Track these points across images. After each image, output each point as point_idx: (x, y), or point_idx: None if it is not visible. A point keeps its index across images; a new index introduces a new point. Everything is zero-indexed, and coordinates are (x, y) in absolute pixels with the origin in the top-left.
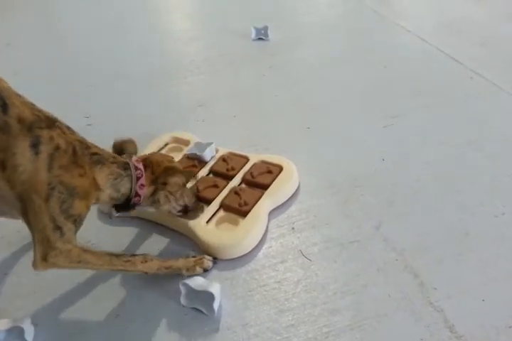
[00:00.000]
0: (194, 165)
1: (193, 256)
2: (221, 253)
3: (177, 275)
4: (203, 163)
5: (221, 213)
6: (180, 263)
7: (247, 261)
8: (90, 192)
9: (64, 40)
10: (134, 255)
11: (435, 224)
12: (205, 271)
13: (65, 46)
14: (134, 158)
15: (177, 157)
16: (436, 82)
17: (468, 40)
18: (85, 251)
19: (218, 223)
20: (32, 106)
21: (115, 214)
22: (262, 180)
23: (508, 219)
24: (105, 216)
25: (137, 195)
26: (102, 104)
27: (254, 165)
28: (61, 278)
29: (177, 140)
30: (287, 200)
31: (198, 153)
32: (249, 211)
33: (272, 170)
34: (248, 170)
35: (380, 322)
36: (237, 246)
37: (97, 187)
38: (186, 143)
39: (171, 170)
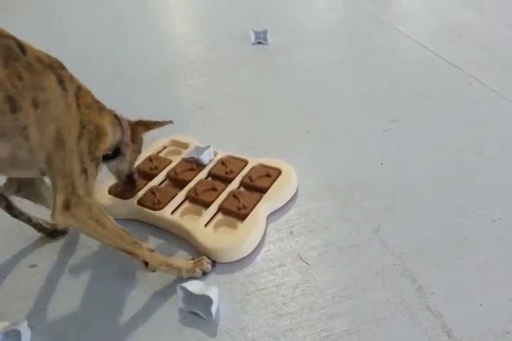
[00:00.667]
0: (192, 169)
1: (192, 258)
2: (219, 256)
3: (175, 278)
4: (201, 166)
5: (219, 216)
6: (180, 263)
7: (246, 265)
8: (107, 134)
9: (64, 40)
10: (143, 242)
11: (434, 228)
12: (204, 274)
13: (64, 46)
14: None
15: (175, 160)
16: (435, 87)
17: (467, 45)
18: (105, 214)
19: (216, 226)
20: (44, 53)
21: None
22: (260, 183)
23: (506, 224)
24: None
25: (126, 143)
26: None
27: (253, 168)
28: (58, 281)
29: (176, 143)
30: (286, 204)
31: (195, 157)
32: (248, 214)
33: (271, 174)
34: (247, 174)
35: (379, 326)
36: (235, 250)
37: (107, 130)
38: (185, 146)
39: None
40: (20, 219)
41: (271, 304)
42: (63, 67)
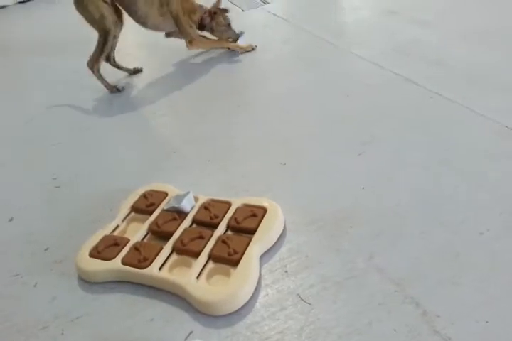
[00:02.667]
0: (174, 218)
1: None
2: (216, 309)
3: (173, 340)
4: (183, 214)
5: (211, 265)
6: None
7: (245, 314)
8: (196, 11)
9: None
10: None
11: (425, 248)
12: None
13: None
14: None
15: (156, 212)
16: (398, 105)
17: (422, 62)
18: (203, 39)
19: (209, 276)
20: None
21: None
22: (247, 224)
23: (494, 234)
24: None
25: (204, 18)
26: (70, 161)
27: (238, 209)
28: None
29: (154, 193)
30: (276, 242)
31: (176, 206)
32: (240, 259)
33: (256, 213)
34: (232, 216)
35: None
36: (232, 301)
37: (196, 9)
38: (164, 195)
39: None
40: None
41: None
42: None
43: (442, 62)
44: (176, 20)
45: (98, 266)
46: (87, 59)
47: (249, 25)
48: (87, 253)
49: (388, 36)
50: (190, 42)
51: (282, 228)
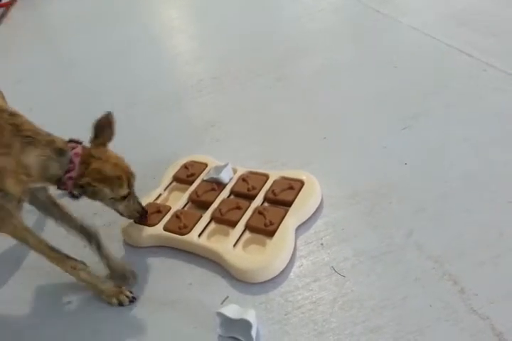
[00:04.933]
0: (213, 189)
1: (118, 286)
2: (252, 277)
3: (210, 304)
4: (222, 185)
5: (247, 235)
6: (105, 288)
7: (280, 283)
8: (17, 171)
9: (73, 72)
10: (69, 258)
11: (468, 226)
12: (120, 305)
13: (75, 78)
14: (78, 150)
15: (196, 182)
16: (449, 78)
17: (476, 31)
18: (29, 232)
19: (245, 245)
20: None
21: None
22: (284, 197)
23: None
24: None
25: (65, 183)
26: (117, 132)
27: (275, 182)
28: (95, 313)
29: (194, 163)
30: (312, 215)
31: (215, 176)
32: (276, 230)
33: (294, 186)
34: (269, 188)
35: (424, 335)
36: (268, 269)
37: (23, 166)
38: (203, 165)
39: (101, 181)
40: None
41: (311, 322)
42: None
43: (499, 32)
44: None
45: (142, 231)
46: None
47: None
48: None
49: (441, 4)
50: None
51: (319, 201)
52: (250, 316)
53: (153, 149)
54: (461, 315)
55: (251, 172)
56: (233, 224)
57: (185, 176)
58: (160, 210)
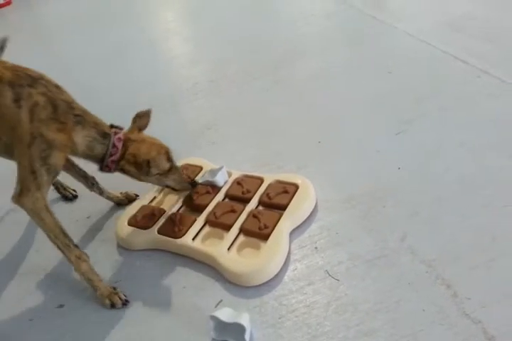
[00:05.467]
0: (208, 192)
1: (114, 288)
2: (246, 280)
3: (203, 307)
4: (217, 188)
5: (242, 238)
6: (100, 285)
7: (274, 286)
8: (67, 146)
9: (68, 74)
10: (77, 247)
11: (462, 230)
12: (112, 306)
13: (70, 80)
14: (120, 135)
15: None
16: (443, 83)
17: (471, 38)
18: (48, 211)
19: (240, 249)
20: (15, 68)
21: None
22: (279, 200)
23: None
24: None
25: (108, 166)
26: None
27: (270, 185)
28: (87, 318)
29: (189, 167)
30: (307, 218)
31: (210, 179)
32: (270, 234)
33: (288, 190)
34: (264, 192)
35: (418, 338)
36: (261, 273)
37: (73, 143)
38: (199, 169)
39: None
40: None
41: (305, 325)
42: (25, 84)
43: (493, 38)
44: (15, 153)
45: (136, 234)
46: None
47: None
48: (126, 222)
49: (435, 10)
50: (19, 194)
51: (314, 205)
52: (244, 320)
53: None
54: (454, 319)
55: (246, 176)
56: (228, 228)
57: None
58: (154, 213)
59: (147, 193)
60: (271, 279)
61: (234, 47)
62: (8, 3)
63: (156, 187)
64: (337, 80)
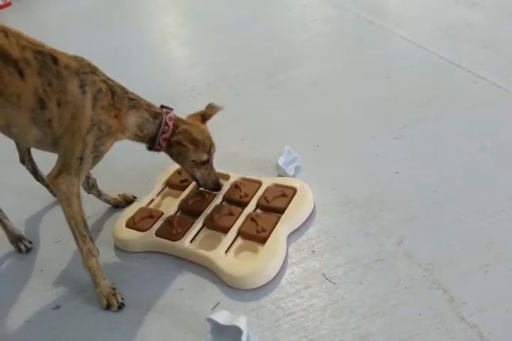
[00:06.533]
0: (204, 196)
1: (113, 288)
2: (243, 283)
3: (200, 310)
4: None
5: (239, 241)
6: (102, 283)
7: (271, 290)
8: (118, 132)
9: None
10: (92, 241)
11: (458, 235)
12: (108, 307)
13: None
14: (171, 115)
15: (188, 188)
16: (440, 89)
17: (468, 44)
18: (79, 197)
19: (237, 252)
20: (77, 58)
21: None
22: (277, 204)
23: None
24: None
25: (159, 144)
26: None
27: (268, 189)
28: (83, 321)
29: None
30: (304, 222)
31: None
32: (268, 237)
33: (286, 193)
34: (262, 195)
35: None
36: (259, 276)
37: (124, 127)
38: None
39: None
40: (42, 184)
41: (301, 329)
42: (90, 72)
43: (490, 45)
44: (65, 138)
45: (133, 236)
46: None
47: (289, 3)
48: (124, 224)
49: (433, 17)
50: (56, 176)
51: (311, 209)
52: (241, 323)
53: (146, 154)
54: (451, 323)
55: (244, 179)
56: (225, 230)
57: (178, 182)
58: (152, 215)
59: (145, 196)
60: (268, 282)
61: (233, 52)
62: (7, 5)
63: (155, 190)
64: (336, 85)
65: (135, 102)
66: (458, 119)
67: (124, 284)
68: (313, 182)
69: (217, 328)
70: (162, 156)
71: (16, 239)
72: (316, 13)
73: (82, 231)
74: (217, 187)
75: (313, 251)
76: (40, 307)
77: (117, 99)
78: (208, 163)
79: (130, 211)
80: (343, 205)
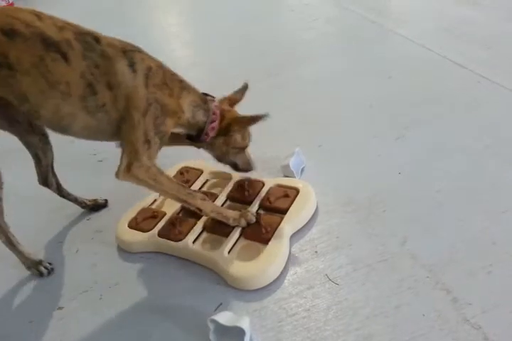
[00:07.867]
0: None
1: (240, 210)
2: (246, 284)
3: (203, 310)
4: (213, 196)
5: (242, 241)
6: (229, 213)
7: (274, 290)
8: (177, 112)
9: None
10: (196, 191)
11: (461, 235)
12: (249, 224)
13: None
14: (216, 103)
15: (194, 187)
16: (443, 89)
17: (470, 43)
18: (162, 173)
19: (240, 252)
20: (118, 39)
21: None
22: (279, 204)
23: None
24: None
25: (207, 133)
26: None
27: (271, 189)
28: (86, 321)
29: (190, 170)
30: (307, 223)
31: (283, 164)
32: (271, 238)
33: (289, 194)
34: (265, 196)
35: None
36: (261, 276)
37: (181, 108)
38: (199, 172)
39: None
40: (67, 199)
41: (304, 330)
42: (136, 50)
43: (492, 44)
44: (124, 125)
45: (136, 236)
46: None
47: (292, 3)
48: (126, 224)
49: (435, 16)
50: (128, 169)
51: (314, 209)
52: (244, 323)
53: None
54: (454, 324)
55: (247, 180)
56: (227, 234)
57: (180, 182)
58: (155, 216)
59: (148, 196)
60: (271, 283)
61: (235, 51)
62: (9, 6)
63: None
64: (338, 85)
65: (185, 84)
66: (461, 119)
67: (127, 284)
68: (316, 183)
69: (220, 329)
70: (162, 156)
71: (33, 264)
72: (318, 13)
73: (185, 192)
74: (253, 166)
75: (316, 252)
76: (43, 308)
77: (168, 78)
78: (247, 147)
79: (132, 211)
80: (346, 206)
